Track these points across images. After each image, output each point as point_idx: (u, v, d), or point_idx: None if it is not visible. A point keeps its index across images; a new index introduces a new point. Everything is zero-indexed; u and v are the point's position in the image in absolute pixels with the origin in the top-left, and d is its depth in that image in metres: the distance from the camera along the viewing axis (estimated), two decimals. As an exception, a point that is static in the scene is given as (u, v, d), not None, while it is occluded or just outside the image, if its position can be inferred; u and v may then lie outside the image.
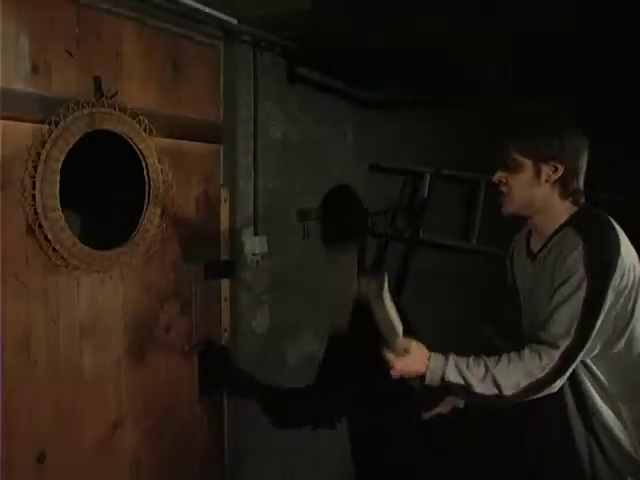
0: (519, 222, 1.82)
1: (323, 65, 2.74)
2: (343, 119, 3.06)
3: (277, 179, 2.62)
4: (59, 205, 1.76)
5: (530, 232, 1.78)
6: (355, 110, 3.11)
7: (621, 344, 1.60)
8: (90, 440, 1.93)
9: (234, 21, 2.27)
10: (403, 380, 1.65)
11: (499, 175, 1.67)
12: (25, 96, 1.69)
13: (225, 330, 2.45)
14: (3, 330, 1.67)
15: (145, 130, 2.00)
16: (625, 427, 1.62)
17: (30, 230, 1.72)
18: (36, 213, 1.71)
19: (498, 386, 1.53)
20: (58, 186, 1.76)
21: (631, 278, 1.55)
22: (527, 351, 1.55)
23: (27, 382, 1.74)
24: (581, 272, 1.51)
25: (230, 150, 2.41)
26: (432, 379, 1.58)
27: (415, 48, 2.44)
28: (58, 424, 1.83)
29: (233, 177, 2.42)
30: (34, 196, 1.70)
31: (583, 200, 1.67)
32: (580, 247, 1.52)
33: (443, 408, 1.93)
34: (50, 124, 1.73)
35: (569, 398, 1.64)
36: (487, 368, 1.54)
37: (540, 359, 1.53)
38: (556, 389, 1.56)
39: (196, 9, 2.10)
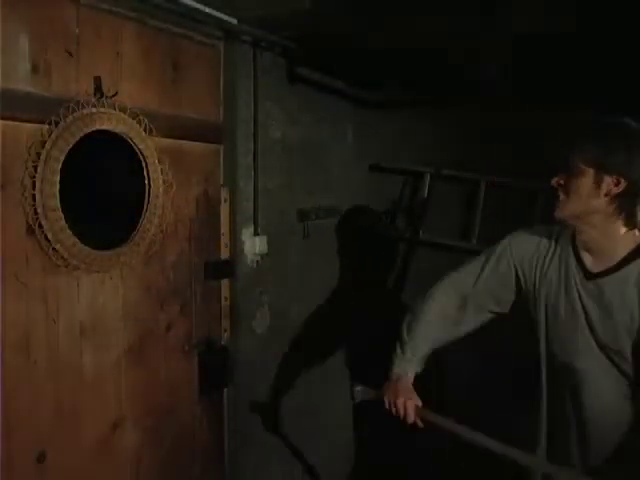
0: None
1: (323, 65, 2.74)
2: (343, 119, 3.06)
3: (277, 179, 2.62)
4: (59, 205, 1.76)
5: (576, 246, 1.66)
6: (355, 110, 3.11)
7: None
8: (90, 440, 1.93)
9: (234, 21, 2.27)
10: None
11: (558, 178, 1.59)
12: (25, 96, 1.69)
13: (225, 330, 2.45)
14: (3, 330, 1.67)
15: (145, 130, 2.00)
16: None
17: (30, 230, 1.72)
18: (36, 213, 1.71)
19: None
20: (58, 186, 1.75)
21: None
22: None
23: (27, 382, 1.74)
24: None
25: (230, 150, 2.41)
26: None
27: (415, 48, 2.43)
28: (58, 424, 1.83)
29: (233, 177, 2.42)
30: (34, 196, 1.70)
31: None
32: None
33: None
34: (50, 124, 1.73)
35: None
36: None
37: None
38: None
39: (196, 9, 2.11)
